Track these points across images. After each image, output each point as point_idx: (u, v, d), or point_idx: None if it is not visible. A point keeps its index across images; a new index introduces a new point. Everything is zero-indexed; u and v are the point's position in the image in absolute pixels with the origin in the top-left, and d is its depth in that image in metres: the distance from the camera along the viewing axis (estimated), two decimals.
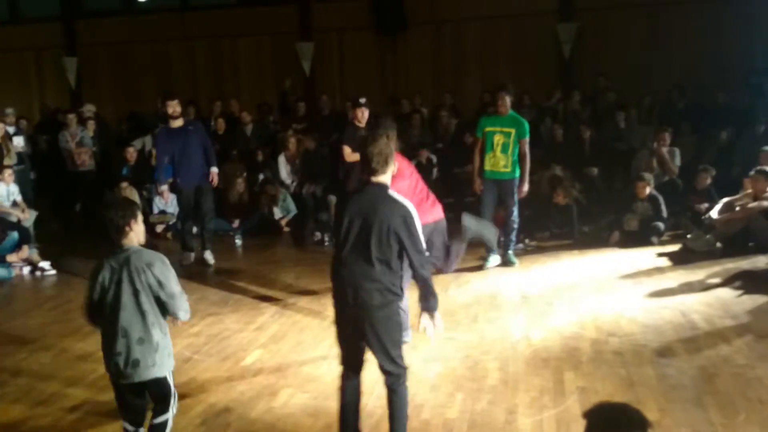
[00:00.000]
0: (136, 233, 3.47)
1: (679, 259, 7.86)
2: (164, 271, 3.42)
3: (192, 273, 8.24)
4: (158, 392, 3.53)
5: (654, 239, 8.58)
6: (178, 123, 8.41)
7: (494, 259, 7.89)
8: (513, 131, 7.59)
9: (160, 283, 3.39)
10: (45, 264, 8.76)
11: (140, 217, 3.52)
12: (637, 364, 4.97)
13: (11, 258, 8.68)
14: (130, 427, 3.63)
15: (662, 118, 11.09)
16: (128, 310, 3.37)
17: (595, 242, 8.79)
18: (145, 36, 14.93)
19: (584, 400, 4.39)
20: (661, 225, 8.67)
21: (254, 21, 14.43)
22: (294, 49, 14.34)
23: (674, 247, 8.36)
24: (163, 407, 3.57)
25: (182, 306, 3.52)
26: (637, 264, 7.73)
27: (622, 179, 10.57)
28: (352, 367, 3.87)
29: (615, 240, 8.70)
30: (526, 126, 7.69)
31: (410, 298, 4.83)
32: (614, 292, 6.77)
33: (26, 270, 8.72)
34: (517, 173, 7.69)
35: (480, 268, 7.82)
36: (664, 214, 8.74)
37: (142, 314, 3.39)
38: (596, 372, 4.89)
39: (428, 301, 3.81)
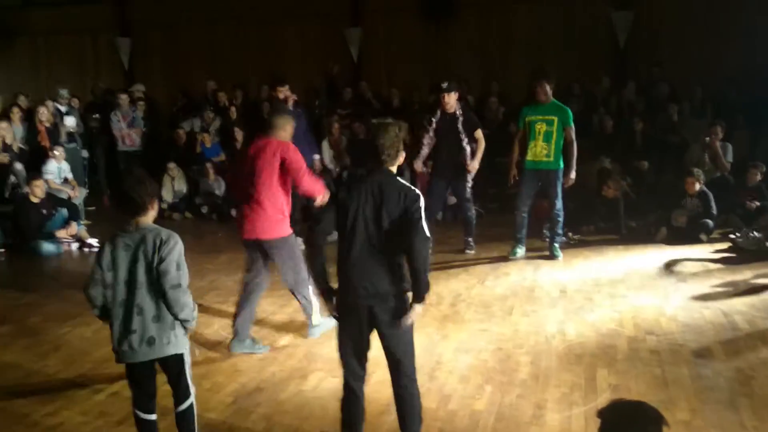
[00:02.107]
0: (154, 212, 3.50)
1: (726, 258, 7.65)
2: (172, 252, 3.33)
3: (231, 255, 8.32)
4: (174, 370, 3.49)
5: (702, 237, 8.35)
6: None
7: (520, 250, 7.88)
8: (555, 119, 7.42)
9: (162, 260, 3.30)
10: (93, 241, 9.00)
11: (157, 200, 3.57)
12: (673, 364, 4.86)
13: (60, 234, 8.94)
14: (143, 415, 3.56)
15: (716, 112, 10.75)
16: (144, 287, 3.35)
17: (641, 238, 8.59)
18: (197, 18, 15.10)
19: (615, 398, 4.28)
20: (710, 222, 8.43)
21: (304, 4, 14.45)
22: (342, 34, 14.34)
23: (723, 245, 8.14)
24: (182, 391, 3.52)
25: (183, 299, 3.38)
26: (683, 261, 7.55)
27: (673, 174, 10.28)
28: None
29: (662, 236, 8.49)
30: (570, 113, 7.50)
31: None
32: (656, 289, 6.62)
33: (74, 246, 8.97)
34: (561, 164, 7.51)
35: (523, 260, 7.77)
36: (714, 211, 8.48)
37: (157, 291, 3.36)
38: (630, 370, 4.79)
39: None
